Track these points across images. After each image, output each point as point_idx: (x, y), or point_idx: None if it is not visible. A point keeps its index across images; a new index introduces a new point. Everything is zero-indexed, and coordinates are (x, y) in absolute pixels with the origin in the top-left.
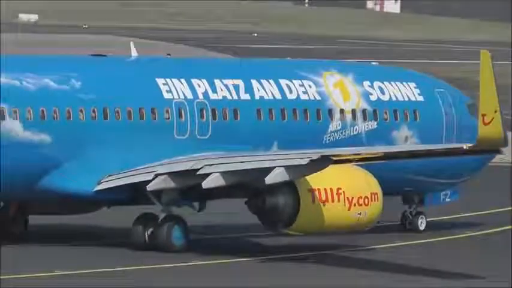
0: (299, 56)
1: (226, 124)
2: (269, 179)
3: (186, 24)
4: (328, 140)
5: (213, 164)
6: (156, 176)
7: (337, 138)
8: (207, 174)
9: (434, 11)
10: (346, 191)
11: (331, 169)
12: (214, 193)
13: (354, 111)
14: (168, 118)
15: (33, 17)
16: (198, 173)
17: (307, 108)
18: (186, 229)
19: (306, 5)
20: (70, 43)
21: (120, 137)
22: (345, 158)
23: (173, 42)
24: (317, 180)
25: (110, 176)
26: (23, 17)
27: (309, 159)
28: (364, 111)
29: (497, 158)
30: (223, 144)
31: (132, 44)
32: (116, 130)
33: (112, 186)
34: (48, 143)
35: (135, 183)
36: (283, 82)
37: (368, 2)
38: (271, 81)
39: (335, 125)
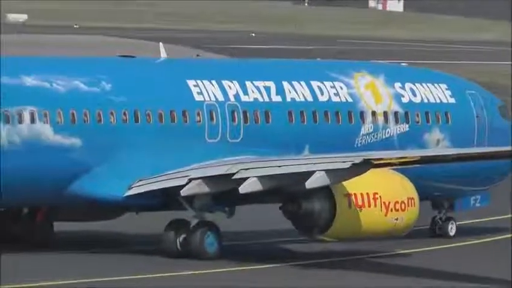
0: (299, 57)
1: (257, 127)
2: (310, 183)
3: (177, 24)
4: (360, 143)
5: (248, 168)
6: (190, 180)
7: (369, 141)
8: (243, 179)
9: (438, 9)
10: (382, 196)
11: (367, 173)
12: (248, 198)
13: (385, 114)
14: (200, 121)
15: (22, 17)
16: (234, 177)
17: (339, 111)
18: (219, 235)
19: (306, 5)
20: (59, 43)
21: (151, 141)
22: (388, 161)
23: (167, 42)
24: (353, 185)
25: (140, 180)
26: (12, 17)
27: (351, 162)
28: (395, 113)
29: None
30: (254, 148)
31: (161, 44)
32: (146, 133)
33: (143, 191)
34: (78, 147)
35: (166, 188)
36: (314, 84)
37: (370, 1)
38: (302, 83)
39: (367, 127)
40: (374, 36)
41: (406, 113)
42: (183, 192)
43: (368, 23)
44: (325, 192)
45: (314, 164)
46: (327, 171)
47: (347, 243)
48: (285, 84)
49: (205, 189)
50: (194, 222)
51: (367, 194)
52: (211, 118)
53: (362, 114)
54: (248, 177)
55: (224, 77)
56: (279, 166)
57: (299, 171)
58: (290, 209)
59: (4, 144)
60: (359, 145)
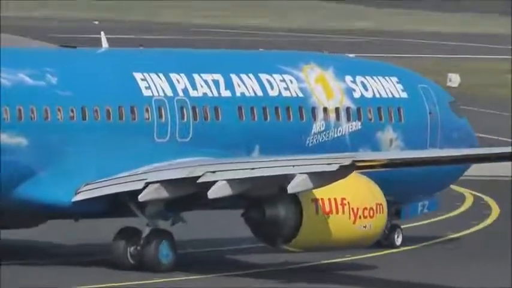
0: (150, 46)
1: (207, 125)
2: (291, 188)
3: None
4: (311, 142)
5: (216, 171)
6: (147, 184)
7: (320, 140)
8: (210, 183)
9: None
10: (351, 202)
11: None
12: (205, 204)
13: (337, 110)
14: (148, 118)
15: None
16: (199, 181)
17: (290, 107)
18: (174, 245)
19: None
20: None
21: (97, 140)
22: (379, 164)
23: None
24: (320, 189)
25: (87, 184)
26: None
27: (338, 165)
28: (347, 109)
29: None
30: (204, 148)
31: (102, 34)
32: (93, 132)
33: (93, 196)
34: (24, 146)
35: (117, 193)
36: (263, 77)
37: None
38: (250, 75)
39: (318, 125)
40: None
41: (358, 110)
42: (141, 197)
43: (223, 9)
44: (291, 197)
45: (293, 166)
46: (310, 174)
47: (311, 253)
48: (233, 77)
49: (164, 194)
50: (147, 231)
51: (335, 199)
52: (160, 115)
53: (313, 110)
54: (215, 181)
55: (171, 70)
56: (252, 169)
57: (276, 174)
58: (253, 216)
59: None
60: (310, 145)
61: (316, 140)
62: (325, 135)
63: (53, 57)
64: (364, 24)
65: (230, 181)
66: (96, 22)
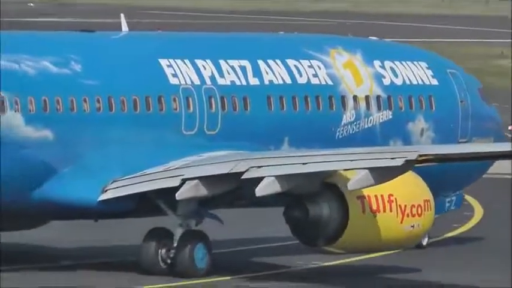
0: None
1: (236, 116)
2: (352, 185)
3: None
4: (341, 134)
5: (261, 166)
6: (184, 181)
7: (350, 131)
8: (255, 179)
9: None
10: (398, 198)
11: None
12: (241, 201)
13: (367, 99)
14: (176, 109)
15: None
16: (243, 177)
17: (319, 95)
18: (210, 247)
19: None
20: None
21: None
22: (446, 157)
23: None
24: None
25: (114, 181)
26: None
27: (403, 159)
28: (378, 98)
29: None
30: (233, 141)
31: (122, 16)
32: (121, 124)
33: (123, 194)
34: (50, 140)
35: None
36: (290, 63)
37: None
38: (278, 61)
39: (349, 115)
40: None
41: (388, 98)
42: (179, 195)
43: None
44: (335, 194)
45: (351, 160)
46: (372, 169)
47: (354, 256)
48: (261, 63)
49: (202, 191)
50: (179, 232)
51: (382, 196)
52: (188, 106)
53: (343, 99)
54: (262, 177)
55: (196, 55)
56: (304, 163)
57: (332, 169)
58: (296, 215)
59: None
60: (340, 136)
61: (346, 131)
62: (355, 126)
63: (76, 42)
64: (338, 6)
65: (279, 177)
66: (31, 4)
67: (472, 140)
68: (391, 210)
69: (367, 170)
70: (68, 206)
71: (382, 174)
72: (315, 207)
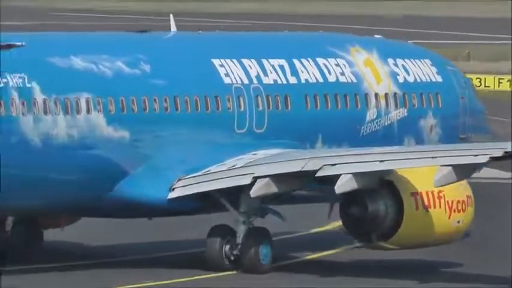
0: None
1: (279, 114)
2: (437, 182)
3: None
4: (365, 131)
5: (335, 164)
6: (255, 179)
7: (372, 129)
8: (329, 177)
9: None
10: (446, 195)
11: (427, 167)
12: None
13: (386, 96)
14: (230, 108)
15: None
16: (317, 175)
17: (347, 94)
18: (272, 244)
19: None
20: None
21: (187, 132)
22: None
23: None
24: (417, 181)
25: (180, 180)
26: None
27: (488, 156)
28: (395, 95)
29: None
30: (278, 139)
31: (172, 17)
32: (185, 124)
33: (191, 193)
34: (127, 140)
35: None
36: (320, 61)
37: None
38: (310, 60)
39: (371, 113)
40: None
41: (403, 95)
42: (253, 193)
43: None
44: (391, 191)
45: (433, 158)
46: (455, 166)
47: (407, 251)
48: (296, 62)
49: (273, 189)
50: (242, 229)
51: (432, 192)
52: (239, 105)
53: (366, 97)
54: (337, 175)
55: (242, 55)
56: (381, 161)
57: (412, 166)
58: (355, 212)
59: (63, 138)
60: (364, 134)
61: (369, 129)
62: (377, 123)
63: (140, 42)
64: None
65: (356, 175)
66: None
67: (470, 136)
68: (440, 206)
69: (450, 167)
70: (139, 205)
71: (464, 171)
72: (373, 204)
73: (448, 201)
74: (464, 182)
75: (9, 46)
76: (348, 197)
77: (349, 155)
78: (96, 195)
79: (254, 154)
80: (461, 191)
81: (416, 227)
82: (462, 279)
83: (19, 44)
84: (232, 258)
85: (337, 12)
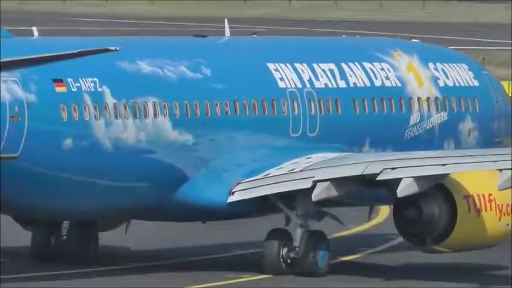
0: None
1: (331, 118)
2: (502, 185)
3: None
4: (409, 135)
5: (396, 168)
6: (315, 183)
7: (416, 133)
8: (389, 181)
9: None
10: (496, 198)
11: (478, 171)
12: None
13: (428, 100)
14: (285, 112)
15: None
16: (378, 178)
17: (392, 97)
18: (329, 246)
19: None
20: None
21: (246, 136)
22: None
23: None
24: (469, 184)
25: (239, 183)
26: None
27: None
28: (436, 99)
29: None
30: (329, 143)
31: (226, 21)
32: (243, 127)
33: (252, 196)
34: (190, 144)
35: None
36: (366, 66)
37: None
38: (357, 64)
39: (415, 117)
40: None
41: (444, 99)
42: (315, 197)
43: None
44: (444, 194)
45: (494, 161)
46: None
47: (458, 254)
48: (344, 66)
49: (333, 192)
50: (299, 232)
51: (483, 195)
52: (293, 108)
53: (410, 101)
54: (397, 179)
55: (294, 59)
56: (443, 165)
57: (472, 169)
58: (410, 215)
59: (132, 142)
60: (408, 137)
61: (413, 133)
62: (420, 127)
63: (200, 47)
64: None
65: (418, 178)
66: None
67: (503, 140)
68: (491, 209)
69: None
70: (199, 208)
71: None
72: (428, 207)
73: (498, 205)
74: None
75: (105, 50)
76: (402, 200)
77: (409, 158)
78: (160, 199)
79: (308, 158)
80: (508, 194)
81: (469, 230)
82: None
83: (113, 48)
84: (289, 261)
85: (361, 17)
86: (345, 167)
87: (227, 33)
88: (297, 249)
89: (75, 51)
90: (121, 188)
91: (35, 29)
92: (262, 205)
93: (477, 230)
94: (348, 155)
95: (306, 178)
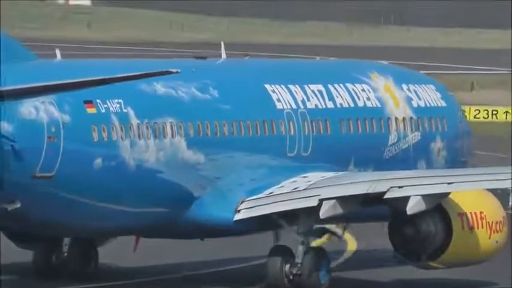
0: None
1: (322, 138)
2: None
3: None
4: (387, 154)
5: (403, 186)
6: (321, 201)
7: (393, 152)
8: (398, 199)
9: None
10: (487, 216)
11: (468, 190)
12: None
13: (404, 120)
14: (283, 132)
15: None
16: (385, 196)
17: (373, 118)
18: (330, 263)
19: None
20: None
21: (248, 156)
22: None
23: None
24: (462, 203)
25: (243, 202)
26: None
27: None
28: (411, 119)
29: None
30: (320, 163)
31: (222, 44)
32: (247, 147)
33: (258, 214)
34: (202, 163)
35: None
36: (350, 87)
37: None
38: (341, 85)
39: (393, 136)
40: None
41: (417, 119)
42: (322, 214)
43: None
44: (440, 212)
45: (501, 180)
46: None
47: (451, 270)
48: (331, 87)
49: (339, 210)
50: (301, 250)
51: (475, 213)
52: (289, 129)
53: (388, 121)
54: (405, 197)
55: (288, 81)
56: (449, 183)
57: (475, 188)
58: (408, 231)
59: (152, 162)
60: (386, 157)
61: (391, 152)
62: (397, 146)
63: (205, 69)
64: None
65: (425, 196)
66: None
67: (467, 160)
68: (482, 227)
69: None
70: (206, 226)
71: None
72: (425, 225)
73: (488, 222)
74: (498, 203)
75: (167, 73)
76: (398, 217)
77: (414, 177)
78: (173, 217)
79: (305, 177)
80: (498, 212)
81: (463, 247)
82: None
83: (175, 71)
84: (291, 277)
85: (337, 43)
86: (349, 185)
87: (223, 55)
88: (299, 265)
89: (138, 74)
90: (142, 207)
91: (57, 52)
92: (264, 223)
93: (470, 246)
94: (345, 173)
95: (312, 196)
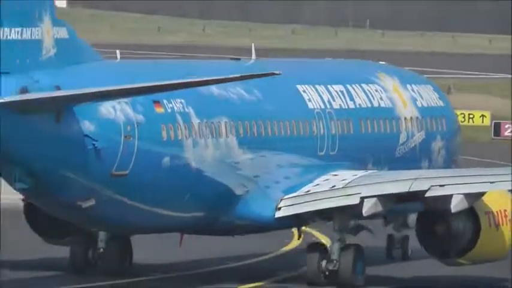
0: None
1: (346, 137)
2: None
3: None
4: (398, 153)
5: (444, 185)
6: (362, 199)
7: (403, 151)
8: (436, 197)
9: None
10: (508, 213)
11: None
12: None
13: (411, 120)
14: (315, 132)
15: None
16: (427, 195)
17: (387, 117)
18: (365, 259)
19: None
20: None
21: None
22: None
23: None
24: (487, 201)
25: (282, 200)
26: None
27: None
28: (417, 119)
29: None
30: (345, 161)
31: (253, 45)
32: (285, 146)
33: (299, 212)
34: (248, 161)
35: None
36: (366, 87)
37: None
38: (358, 86)
39: (403, 136)
40: None
41: (422, 119)
42: (365, 212)
43: None
44: (469, 210)
45: None
46: None
47: (479, 266)
48: (350, 88)
49: (379, 208)
50: (337, 246)
51: (500, 211)
52: (320, 128)
53: (399, 121)
54: (451, 195)
55: (315, 81)
56: (491, 182)
57: None
58: (439, 229)
59: (209, 161)
60: (397, 155)
61: (401, 151)
62: (406, 145)
63: (243, 70)
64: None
65: (467, 195)
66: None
67: (456, 158)
68: (506, 224)
69: None
70: (249, 224)
71: None
72: (456, 223)
73: (510, 220)
74: None
75: (270, 74)
76: (429, 215)
77: (453, 176)
78: (217, 214)
79: (335, 175)
80: None
81: (490, 244)
82: None
83: (277, 72)
84: (327, 273)
85: (327, 46)
86: (391, 183)
87: (253, 55)
88: (335, 261)
89: (238, 75)
90: (197, 205)
91: (118, 52)
92: (300, 219)
93: (496, 243)
94: (374, 172)
95: (353, 194)
